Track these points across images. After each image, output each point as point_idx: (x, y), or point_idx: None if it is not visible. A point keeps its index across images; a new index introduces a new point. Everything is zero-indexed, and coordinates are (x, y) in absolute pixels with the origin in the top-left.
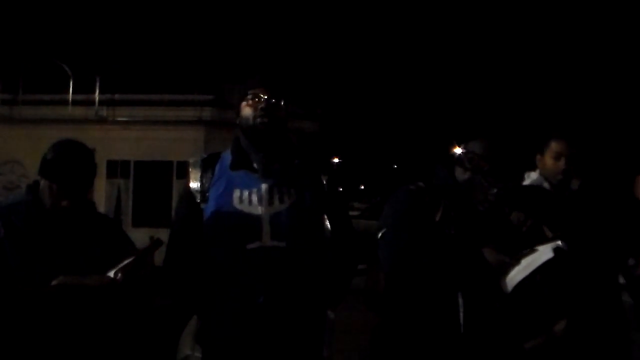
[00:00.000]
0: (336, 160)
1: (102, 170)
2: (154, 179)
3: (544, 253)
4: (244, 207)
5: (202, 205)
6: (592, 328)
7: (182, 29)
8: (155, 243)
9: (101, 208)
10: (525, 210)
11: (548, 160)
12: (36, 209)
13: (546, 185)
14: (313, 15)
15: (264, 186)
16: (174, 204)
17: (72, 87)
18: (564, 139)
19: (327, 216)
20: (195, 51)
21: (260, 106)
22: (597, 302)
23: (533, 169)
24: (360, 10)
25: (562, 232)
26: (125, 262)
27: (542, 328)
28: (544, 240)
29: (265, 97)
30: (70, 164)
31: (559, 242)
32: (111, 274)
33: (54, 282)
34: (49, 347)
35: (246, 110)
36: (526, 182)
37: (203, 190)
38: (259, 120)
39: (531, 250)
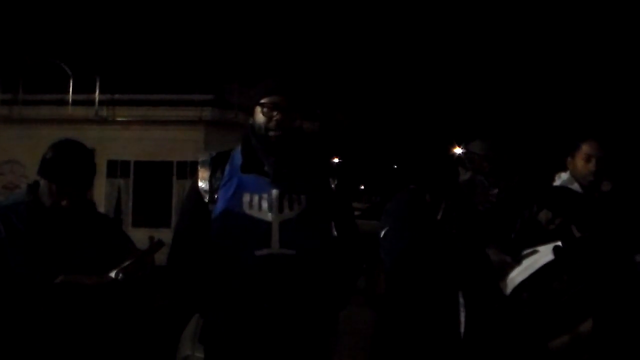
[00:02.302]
0: (336, 160)
1: (102, 170)
2: (154, 179)
3: (544, 254)
4: (254, 213)
5: (210, 207)
6: (620, 327)
7: (182, 28)
8: (156, 244)
9: (101, 208)
10: (554, 209)
11: (578, 162)
12: (36, 208)
13: (576, 186)
14: (313, 16)
15: (274, 192)
16: (174, 204)
17: (72, 87)
18: (595, 141)
19: (335, 220)
20: (195, 51)
21: (276, 118)
22: (624, 301)
23: (563, 169)
24: (360, 10)
25: (591, 232)
26: (126, 262)
27: (567, 327)
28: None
29: (282, 108)
30: (69, 163)
31: (559, 242)
32: (112, 274)
33: (55, 282)
34: (50, 345)
35: (260, 118)
36: (556, 183)
37: (212, 190)
38: (272, 133)
39: (532, 251)
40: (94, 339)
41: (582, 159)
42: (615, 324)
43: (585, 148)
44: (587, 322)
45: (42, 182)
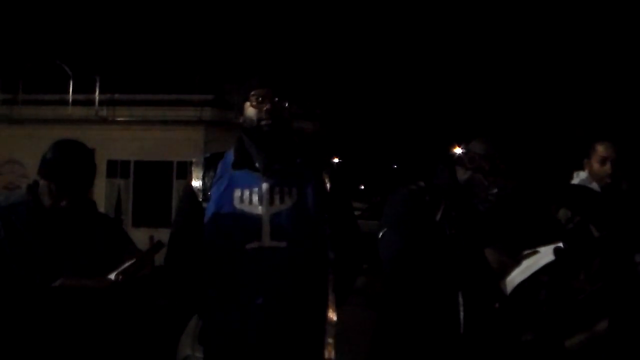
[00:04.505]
0: (336, 160)
1: (102, 170)
2: (154, 179)
3: (544, 255)
4: (244, 207)
5: (204, 204)
6: (637, 327)
7: (182, 28)
8: (157, 245)
9: (101, 208)
10: (574, 208)
11: (594, 164)
12: (36, 209)
13: (594, 186)
14: (313, 16)
15: (264, 186)
16: (174, 204)
17: (72, 87)
18: (610, 143)
19: (329, 215)
20: (195, 51)
21: (264, 108)
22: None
23: (581, 168)
24: (360, 10)
25: (609, 232)
26: (127, 264)
27: (584, 326)
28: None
29: (270, 98)
30: (69, 163)
31: (560, 243)
32: (112, 276)
33: (55, 284)
34: (50, 348)
35: (250, 111)
36: (575, 181)
37: (205, 189)
38: (263, 122)
39: (533, 251)
40: (94, 341)
41: (598, 161)
42: (631, 324)
43: (600, 150)
44: (604, 321)
45: (42, 182)
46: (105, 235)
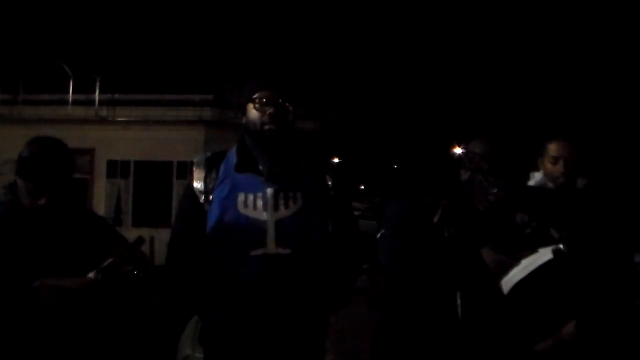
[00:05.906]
0: (336, 160)
1: (102, 170)
2: (154, 179)
3: (543, 255)
4: (249, 212)
5: (206, 207)
6: (604, 330)
7: (182, 29)
8: (137, 242)
9: (101, 208)
10: (529, 212)
11: (547, 164)
12: (15, 209)
13: (550, 185)
14: (313, 15)
15: (269, 191)
16: (174, 204)
17: (72, 87)
18: (560, 142)
19: (332, 219)
20: (195, 51)
21: (269, 111)
22: (607, 303)
23: (537, 169)
24: (360, 10)
25: (569, 232)
26: (106, 262)
27: (550, 330)
28: (549, 242)
29: (274, 101)
30: (44, 161)
31: (560, 245)
32: (91, 275)
33: (35, 284)
34: (32, 349)
35: (253, 114)
36: (530, 182)
37: (207, 190)
38: (267, 127)
39: (531, 251)
40: (79, 340)
41: (550, 160)
42: (598, 326)
43: (551, 149)
44: (570, 324)
45: (19, 181)
46: (89, 232)
